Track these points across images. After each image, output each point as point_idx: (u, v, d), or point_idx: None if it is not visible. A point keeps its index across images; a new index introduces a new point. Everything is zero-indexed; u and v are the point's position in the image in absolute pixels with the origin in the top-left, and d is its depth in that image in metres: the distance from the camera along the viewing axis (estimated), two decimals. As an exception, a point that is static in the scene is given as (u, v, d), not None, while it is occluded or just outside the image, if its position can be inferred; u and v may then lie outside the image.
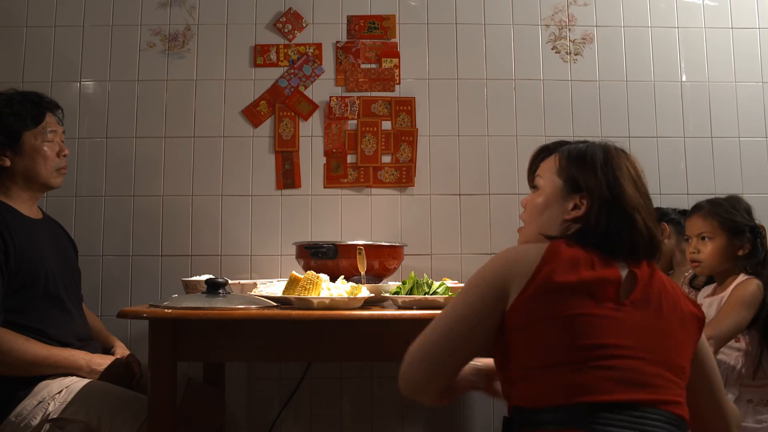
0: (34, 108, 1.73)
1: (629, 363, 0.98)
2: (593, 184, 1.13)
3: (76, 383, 1.62)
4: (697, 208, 1.89)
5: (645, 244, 1.09)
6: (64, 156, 1.78)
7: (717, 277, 1.88)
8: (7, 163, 1.69)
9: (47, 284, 1.66)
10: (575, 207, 1.14)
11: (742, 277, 1.78)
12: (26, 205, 1.75)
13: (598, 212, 1.11)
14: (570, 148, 1.21)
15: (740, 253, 1.79)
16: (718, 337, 1.66)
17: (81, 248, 1.98)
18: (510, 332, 1.03)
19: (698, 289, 1.99)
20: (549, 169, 1.20)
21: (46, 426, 1.55)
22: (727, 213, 1.81)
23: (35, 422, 1.55)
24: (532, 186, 1.25)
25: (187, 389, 1.88)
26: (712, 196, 1.92)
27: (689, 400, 1.05)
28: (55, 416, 1.56)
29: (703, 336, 1.13)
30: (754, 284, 1.74)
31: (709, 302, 1.84)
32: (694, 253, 1.87)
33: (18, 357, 1.55)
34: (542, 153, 1.26)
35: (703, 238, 1.83)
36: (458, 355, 1.07)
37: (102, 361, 1.71)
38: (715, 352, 1.69)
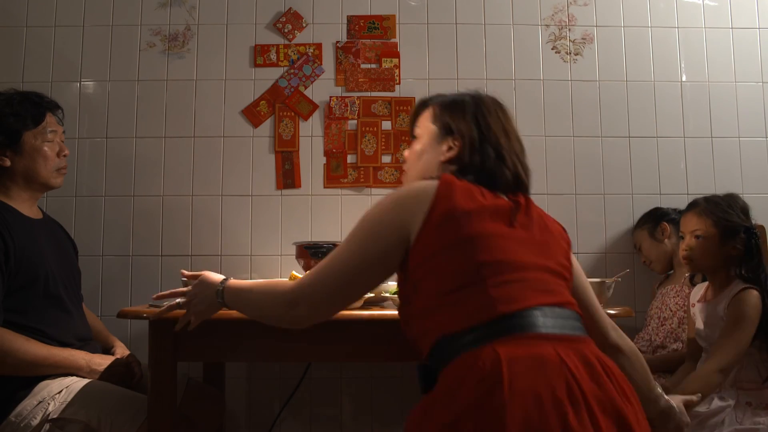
0: (34, 108, 1.73)
1: (532, 274, 1.08)
2: (464, 127, 1.24)
3: (76, 383, 1.62)
4: (693, 205, 1.87)
5: (516, 179, 1.22)
6: (64, 156, 1.79)
7: (709, 277, 1.87)
8: (7, 163, 1.69)
9: (47, 284, 1.66)
10: (449, 149, 1.24)
11: (738, 285, 1.75)
12: (26, 205, 1.75)
13: (471, 151, 1.22)
14: (443, 98, 1.33)
15: (733, 253, 1.78)
16: (724, 367, 1.65)
17: (81, 248, 1.98)
18: (417, 266, 1.09)
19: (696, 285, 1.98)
20: (425, 118, 1.32)
21: (46, 426, 1.55)
22: (721, 212, 1.80)
23: (35, 422, 1.55)
24: (413, 137, 1.36)
25: (187, 389, 1.88)
26: (705, 196, 1.91)
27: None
28: (55, 416, 1.56)
29: (574, 259, 1.27)
30: (754, 297, 1.71)
31: (700, 308, 1.83)
32: (686, 250, 1.85)
33: (18, 357, 1.55)
34: (420, 107, 1.37)
35: (696, 237, 1.83)
36: (355, 290, 1.16)
37: (102, 361, 1.71)
38: (723, 381, 1.67)
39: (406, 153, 1.37)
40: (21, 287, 1.61)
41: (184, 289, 1.38)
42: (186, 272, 1.42)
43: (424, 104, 1.36)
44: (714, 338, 1.76)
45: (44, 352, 1.60)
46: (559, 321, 1.04)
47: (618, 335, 1.32)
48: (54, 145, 1.75)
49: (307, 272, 1.18)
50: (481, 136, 1.23)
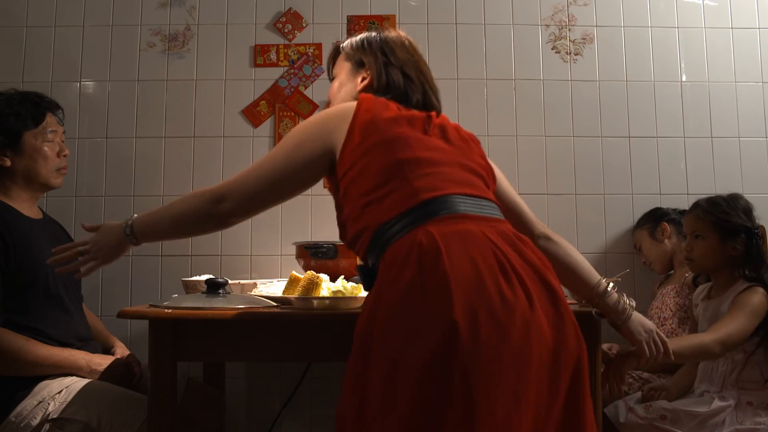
0: (34, 108, 1.73)
1: (450, 169, 1.19)
2: (372, 58, 1.37)
3: (76, 383, 1.63)
4: (695, 206, 1.88)
5: (425, 98, 1.35)
6: (65, 156, 1.79)
7: (712, 277, 1.87)
8: (8, 163, 1.69)
9: (47, 284, 1.66)
10: (363, 79, 1.37)
11: (742, 284, 1.75)
12: (26, 205, 1.75)
13: (381, 77, 1.35)
14: (353, 39, 1.44)
15: (733, 253, 1.78)
16: (725, 341, 1.64)
17: (81, 248, 1.97)
18: (345, 173, 1.21)
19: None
20: (340, 59, 1.46)
21: (46, 426, 1.56)
22: (721, 213, 1.80)
23: (35, 422, 1.55)
24: (332, 79, 1.49)
25: (187, 389, 1.89)
26: (708, 196, 1.91)
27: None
28: (54, 416, 1.56)
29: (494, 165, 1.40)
30: (759, 293, 1.71)
31: (704, 306, 1.84)
32: (687, 251, 1.86)
33: (18, 357, 1.56)
34: (335, 52, 1.50)
35: (696, 237, 1.83)
36: (278, 192, 1.26)
37: (102, 361, 1.71)
38: (720, 355, 1.67)
39: (328, 94, 1.48)
40: (21, 287, 1.62)
41: (83, 240, 1.39)
42: (86, 224, 1.43)
43: (337, 49, 1.49)
44: None
45: (44, 352, 1.60)
46: (477, 206, 1.16)
47: (544, 227, 1.44)
48: (54, 145, 1.75)
49: (231, 178, 1.27)
50: (387, 63, 1.36)
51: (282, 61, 2.41)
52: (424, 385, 0.96)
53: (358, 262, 1.32)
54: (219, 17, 2.43)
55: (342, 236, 1.28)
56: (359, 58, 1.40)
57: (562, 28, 2.47)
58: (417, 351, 0.98)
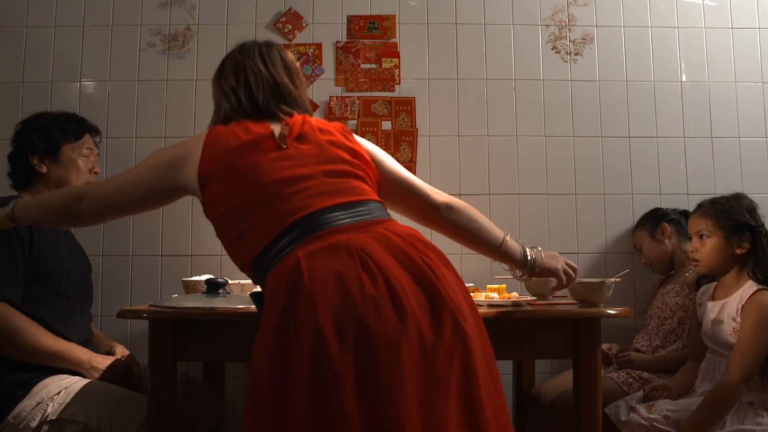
0: (76, 126, 1.90)
1: (316, 182, 1.19)
2: (214, 90, 1.40)
3: (75, 384, 1.63)
4: (699, 207, 1.89)
5: (267, 106, 1.31)
6: (95, 173, 1.92)
7: (718, 277, 1.87)
8: (44, 169, 1.81)
9: (60, 283, 1.74)
10: (217, 108, 1.39)
11: (751, 286, 1.75)
12: None
13: (217, 105, 1.38)
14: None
15: (738, 251, 1.78)
16: (747, 377, 1.65)
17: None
18: (212, 210, 1.24)
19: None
20: None
21: (45, 427, 1.55)
22: (724, 211, 1.81)
23: (34, 423, 1.55)
24: None
25: (187, 389, 1.89)
26: (712, 197, 1.91)
27: (399, 203, 1.39)
28: (53, 417, 1.56)
29: (373, 146, 1.38)
30: (767, 297, 1.71)
31: (710, 306, 1.83)
32: (693, 251, 1.87)
33: (24, 339, 1.60)
34: None
35: (701, 237, 1.83)
36: (128, 207, 1.35)
37: (103, 361, 1.73)
38: (743, 387, 1.66)
39: None
40: (38, 278, 1.69)
41: None
42: None
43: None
44: (721, 338, 1.76)
45: (49, 340, 1.65)
46: (350, 213, 1.16)
47: (442, 196, 1.40)
48: (88, 161, 1.89)
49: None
50: (221, 87, 1.37)
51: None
52: (308, 406, 1.00)
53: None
54: (219, 17, 2.43)
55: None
56: (214, 91, 1.42)
57: (562, 28, 2.47)
58: (297, 374, 1.02)
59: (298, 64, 1.43)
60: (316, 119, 1.34)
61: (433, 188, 1.41)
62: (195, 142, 1.28)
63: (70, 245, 1.89)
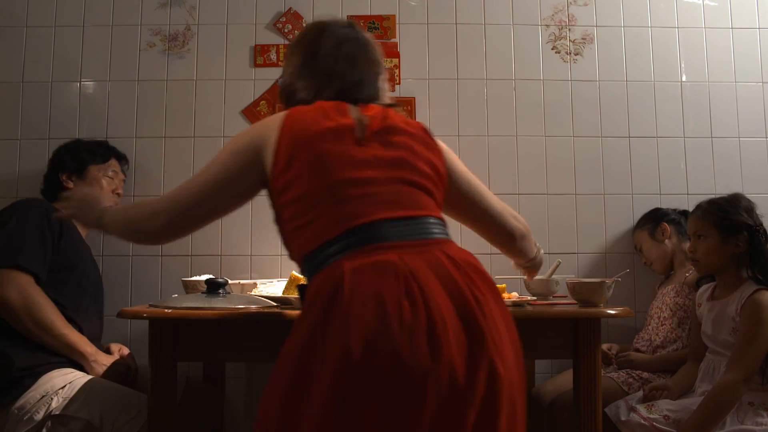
0: (105, 151, 2.10)
1: (382, 189, 1.12)
2: (291, 63, 1.32)
3: (80, 379, 1.66)
4: (697, 208, 1.90)
5: (356, 87, 1.26)
6: (117, 194, 2.10)
7: (717, 277, 1.87)
8: (70, 185, 2.01)
9: (81, 278, 1.87)
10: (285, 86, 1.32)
11: (750, 286, 1.75)
12: (80, 226, 1.99)
13: (299, 78, 1.28)
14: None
15: (736, 251, 1.78)
16: (748, 376, 1.66)
17: (81, 248, 1.99)
18: (277, 196, 1.17)
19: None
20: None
21: (48, 423, 1.57)
22: (721, 212, 1.81)
23: (38, 417, 1.58)
24: None
25: (187, 389, 1.89)
26: (712, 196, 1.92)
27: (470, 222, 1.34)
28: (57, 412, 1.58)
29: (453, 158, 1.29)
30: (766, 297, 1.71)
31: (709, 306, 1.84)
32: (692, 252, 1.87)
33: (42, 314, 1.69)
34: None
35: (699, 237, 1.84)
36: (209, 209, 1.24)
37: (107, 359, 1.78)
38: (744, 387, 1.66)
39: None
40: (62, 268, 1.81)
41: (69, 194, 1.44)
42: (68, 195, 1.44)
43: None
44: (720, 338, 1.76)
45: (62, 323, 1.73)
46: (406, 229, 1.09)
47: (520, 223, 1.37)
48: (112, 183, 2.08)
49: (167, 193, 1.26)
50: (308, 64, 1.28)
51: (282, 61, 2.41)
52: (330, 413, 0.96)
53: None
54: (219, 17, 2.42)
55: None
56: (285, 66, 1.36)
57: (562, 28, 2.47)
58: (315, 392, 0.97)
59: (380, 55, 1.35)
60: (399, 116, 1.25)
61: (510, 211, 1.37)
62: (271, 123, 1.19)
63: (90, 257, 2.01)
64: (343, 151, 1.14)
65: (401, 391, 0.95)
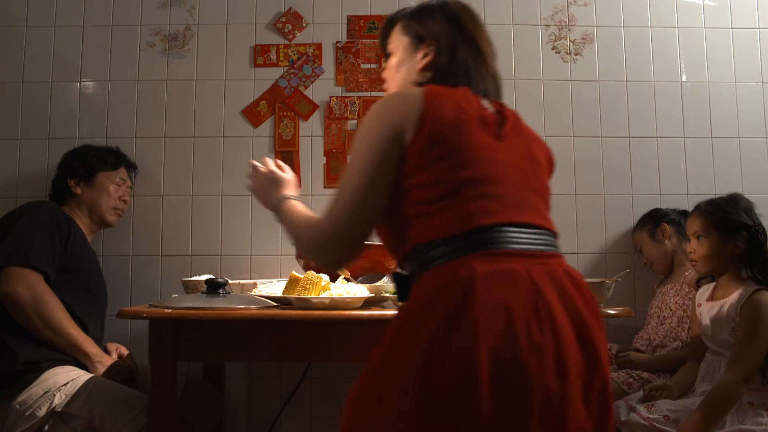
0: (115, 158, 2.14)
1: (512, 190, 1.06)
2: (436, 28, 1.20)
3: (82, 377, 1.68)
4: (696, 208, 1.90)
5: (496, 83, 1.20)
6: (124, 202, 2.13)
7: (717, 278, 1.87)
8: (78, 191, 2.04)
9: (87, 280, 1.91)
10: (425, 55, 1.20)
11: (749, 286, 1.75)
12: (85, 230, 2.03)
13: (447, 53, 1.18)
14: (409, 9, 1.28)
15: (736, 252, 1.78)
16: (748, 376, 1.66)
17: (81, 248, 2.00)
18: (408, 173, 1.07)
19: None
20: (396, 33, 1.28)
21: (50, 420, 1.58)
22: (720, 212, 1.81)
23: (40, 413, 1.59)
24: (387, 56, 1.32)
25: (187, 389, 1.89)
26: (712, 196, 1.92)
27: None
28: (59, 410, 1.59)
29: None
30: (766, 297, 1.71)
31: (709, 307, 1.83)
32: (691, 252, 1.87)
33: (49, 312, 1.71)
34: (387, 25, 1.33)
35: (698, 238, 1.84)
36: (371, 211, 1.09)
37: (110, 360, 1.80)
38: (743, 386, 1.66)
39: (383, 75, 1.34)
40: (69, 269, 1.84)
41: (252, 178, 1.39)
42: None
43: (390, 21, 1.32)
44: (720, 338, 1.76)
45: (68, 322, 1.75)
46: (531, 238, 1.03)
47: None
48: (119, 189, 2.11)
49: (326, 210, 1.12)
50: (454, 36, 1.19)
51: (282, 61, 2.41)
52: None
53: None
54: (219, 17, 2.42)
55: (378, 229, 1.14)
56: (418, 30, 1.22)
57: (562, 28, 2.47)
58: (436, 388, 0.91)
59: None
60: (523, 122, 1.19)
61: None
62: (407, 96, 1.10)
63: (91, 250, 2.03)
64: (484, 143, 1.07)
65: (526, 413, 0.90)
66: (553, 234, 1.09)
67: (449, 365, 0.91)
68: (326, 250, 1.12)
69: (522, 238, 1.02)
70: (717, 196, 1.91)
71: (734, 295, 1.76)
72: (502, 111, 1.15)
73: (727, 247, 1.79)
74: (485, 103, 1.14)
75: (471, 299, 0.93)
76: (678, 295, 2.08)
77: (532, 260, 1.00)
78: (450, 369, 0.91)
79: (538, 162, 1.15)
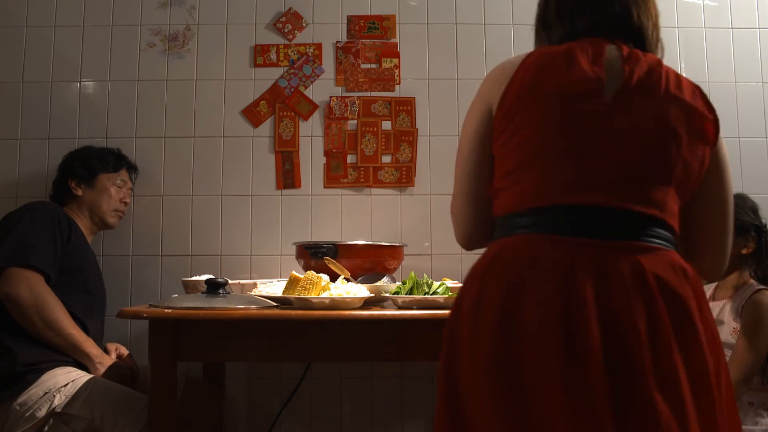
0: (116, 160, 2.14)
1: (601, 164, 0.95)
2: None
3: (82, 377, 1.68)
4: None
5: (624, 16, 1.03)
6: (125, 203, 2.13)
7: (720, 278, 1.86)
8: (79, 192, 2.04)
9: (87, 281, 1.91)
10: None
11: (752, 286, 1.74)
12: (86, 232, 2.04)
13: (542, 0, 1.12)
14: None
15: (744, 251, 1.78)
16: (747, 377, 1.65)
17: (81, 248, 2.00)
18: (494, 143, 1.04)
19: None
20: None
21: (50, 420, 1.58)
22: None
23: (40, 414, 1.59)
24: None
25: (187, 389, 1.90)
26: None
27: (694, 225, 1.03)
28: (59, 410, 1.59)
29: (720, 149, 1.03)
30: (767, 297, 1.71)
31: (711, 306, 1.83)
32: None
33: (50, 314, 1.72)
34: None
35: None
36: (481, 188, 1.08)
37: (111, 361, 1.80)
38: (744, 387, 1.66)
39: None
40: (70, 270, 1.85)
41: None
42: None
43: None
44: (721, 339, 1.75)
45: (69, 323, 1.75)
46: (602, 223, 0.93)
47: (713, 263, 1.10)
48: (120, 191, 2.11)
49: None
50: None
51: (282, 61, 2.41)
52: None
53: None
54: (219, 17, 2.42)
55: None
56: None
57: (562, 28, 2.46)
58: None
59: None
60: (673, 73, 1.01)
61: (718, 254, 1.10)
62: (505, 64, 1.06)
63: (91, 251, 2.04)
64: (577, 117, 0.96)
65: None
66: (656, 221, 0.95)
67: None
68: (456, 227, 1.16)
69: (590, 220, 0.93)
70: None
71: (736, 295, 1.76)
72: (628, 63, 0.98)
73: (738, 247, 1.78)
74: (610, 51, 0.99)
75: (525, 264, 0.93)
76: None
77: (589, 249, 0.92)
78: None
79: (661, 130, 0.96)
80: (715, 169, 1.04)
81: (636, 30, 1.05)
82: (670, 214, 0.97)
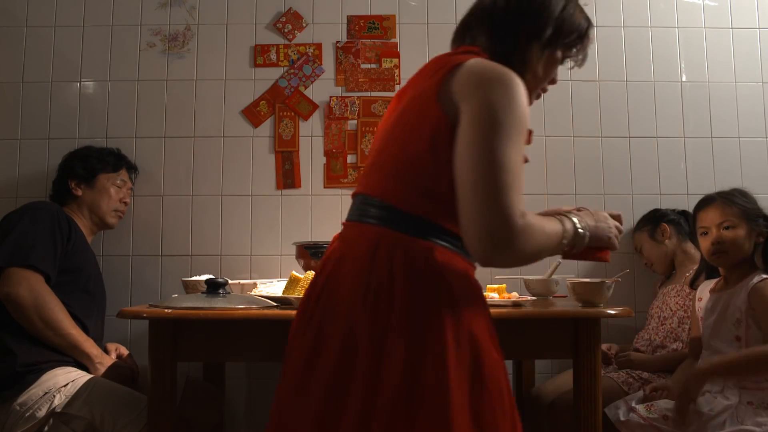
0: (116, 160, 2.14)
1: (371, 159, 1.11)
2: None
3: (82, 377, 1.68)
4: (710, 200, 1.83)
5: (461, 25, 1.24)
6: (125, 203, 2.14)
7: (728, 270, 1.82)
8: (79, 192, 2.05)
9: (87, 281, 1.91)
10: None
11: (756, 275, 1.73)
12: (86, 232, 2.04)
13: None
14: None
15: (758, 241, 1.77)
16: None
17: (81, 248, 1.99)
18: None
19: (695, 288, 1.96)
20: None
21: (50, 420, 1.58)
22: (742, 201, 1.79)
23: (40, 414, 1.59)
24: None
25: (187, 389, 1.90)
26: (713, 192, 1.89)
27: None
28: (59, 410, 1.59)
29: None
30: None
31: (715, 297, 1.82)
32: (717, 243, 1.78)
33: (50, 314, 1.72)
34: None
35: (726, 228, 1.79)
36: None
37: (111, 361, 1.80)
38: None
39: None
40: (70, 271, 1.85)
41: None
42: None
43: None
44: (724, 329, 1.74)
45: (69, 323, 1.75)
46: (356, 208, 1.07)
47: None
48: (120, 191, 2.12)
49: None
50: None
51: (282, 61, 2.41)
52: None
53: None
54: (219, 17, 2.42)
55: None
56: None
57: (562, 28, 2.46)
58: None
59: None
60: (477, 60, 1.03)
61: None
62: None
63: (91, 251, 2.03)
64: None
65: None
66: (378, 203, 1.01)
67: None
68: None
69: (353, 209, 1.09)
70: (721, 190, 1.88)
71: (742, 284, 1.75)
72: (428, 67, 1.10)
73: (753, 236, 1.76)
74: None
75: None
76: (679, 295, 2.08)
77: (347, 230, 1.09)
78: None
79: (405, 118, 1.05)
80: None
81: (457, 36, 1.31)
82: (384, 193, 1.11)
